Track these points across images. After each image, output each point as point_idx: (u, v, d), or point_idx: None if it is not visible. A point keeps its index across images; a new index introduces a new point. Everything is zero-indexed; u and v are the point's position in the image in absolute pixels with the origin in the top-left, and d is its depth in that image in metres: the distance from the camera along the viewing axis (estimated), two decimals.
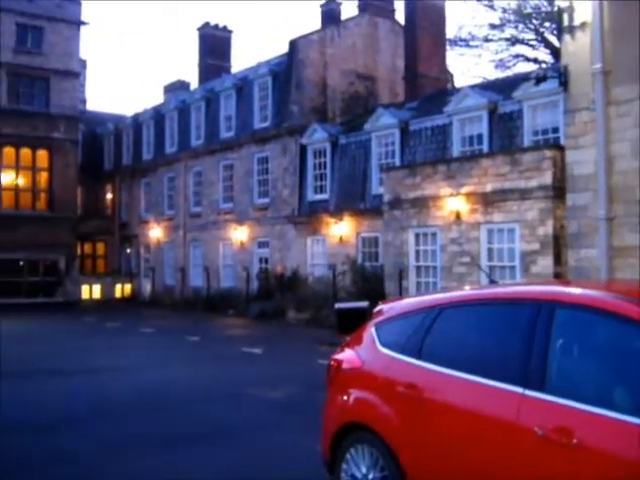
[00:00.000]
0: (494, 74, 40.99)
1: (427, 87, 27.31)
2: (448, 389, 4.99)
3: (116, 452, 8.22)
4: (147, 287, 38.57)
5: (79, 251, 39.96)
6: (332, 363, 6.28)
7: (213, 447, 8.46)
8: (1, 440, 8.80)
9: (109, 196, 43.67)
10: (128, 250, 41.13)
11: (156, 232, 37.97)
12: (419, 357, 5.32)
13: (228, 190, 32.95)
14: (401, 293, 19.82)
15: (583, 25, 14.54)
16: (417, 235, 20.78)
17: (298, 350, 18.09)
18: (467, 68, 79.19)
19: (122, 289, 39.75)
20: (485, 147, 21.26)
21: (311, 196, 27.89)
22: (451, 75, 32.98)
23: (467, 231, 19.07)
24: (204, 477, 7.34)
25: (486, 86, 24.59)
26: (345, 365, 6.08)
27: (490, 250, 18.70)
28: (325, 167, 27.35)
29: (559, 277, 16.52)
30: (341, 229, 25.89)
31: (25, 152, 37.16)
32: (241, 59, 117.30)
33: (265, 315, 25.78)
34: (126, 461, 7.81)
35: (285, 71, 29.89)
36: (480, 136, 21.59)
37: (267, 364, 15.71)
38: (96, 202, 44.28)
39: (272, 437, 8.95)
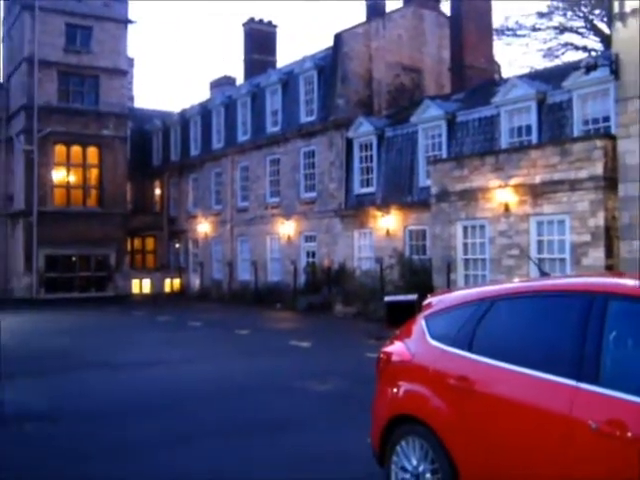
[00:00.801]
0: (542, 63, 40.54)
1: (474, 78, 27.02)
2: (500, 382, 4.97)
3: (186, 439, 8.56)
4: (196, 281, 39.00)
5: (129, 246, 40.58)
6: (381, 356, 6.29)
7: (269, 437, 8.67)
8: (89, 427, 9.28)
9: (158, 192, 44.22)
10: (177, 245, 41.63)
11: (204, 227, 38.36)
12: (470, 350, 5.30)
13: (275, 185, 33.10)
14: (449, 286, 19.70)
15: (635, 11, 14.26)
16: (465, 228, 20.64)
17: (346, 344, 18.12)
18: (514, 58, 77.87)
19: (171, 283, 40.25)
20: (534, 138, 20.97)
21: (358, 189, 27.87)
22: (498, 65, 32.60)
23: (516, 223, 18.87)
24: (262, 461, 7.58)
25: (534, 76, 24.25)
26: (395, 358, 6.09)
27: (540, 242, 18.47)
28: (371, 160, 27.30)
29: (611, 269, 16.25)
30: (388, 222, 25.82)
31: (75, 149, 37.86)
32: (286, 54, 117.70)
33: (312, 308, 25.87)
34: (195, 447, 8.12)
35: (330, 65, 29.88)
36: (529, 127, 21.31)
37: (315, 357, 15.78)
38: (145, 198, 44.92)
39: (323, 429, 9.05)
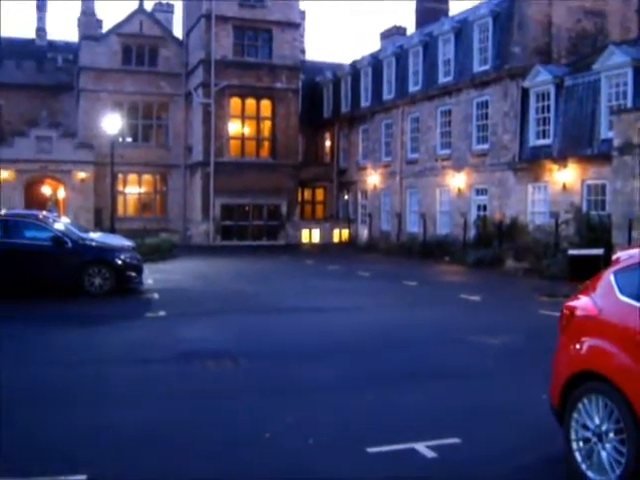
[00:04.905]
0: None
1: None
2: None
3: (361, 383, 8.87)
4: (364, 232, 39.40)
5: (299, 197, 41.55)
6: (565, 311, 6.11)
7: (444, 386, 8.79)
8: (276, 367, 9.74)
9: (328, 143, 44.81)
10: (346, 196, 42.13)
11: (373, 179, 38.53)
12: None
13: (446, 136, 32.58)
14: (630, 244, 18.66)
15: None
16: None
17: (517, 299, 17.72)
18: None
19: (339, 234, 40.90)
20: None
21: (533, 141, 26.85)
22: None
23: None
24: (437, 408, 7.64)
25: None
26: (579, 312, 5.90)
27: None
28: (548, 111, 26.14)
29: None
30: (565, 176, 24.78)
31: (250, 102, 39.04)
32: (459, 2, 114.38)
33: (482, 263, 25.41)
34: (368, 390, 8.32)
35: (507, 11, 28.74)
36: None
37: (486, 312, 15.57)
38: (315, 149, 45.71)
39: (496, 381, 9.01)
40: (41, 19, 49.82)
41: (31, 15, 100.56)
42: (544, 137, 26.39)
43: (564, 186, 24.86)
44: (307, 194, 44.21)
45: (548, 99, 26.15)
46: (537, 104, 26.70)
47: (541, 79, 26.37)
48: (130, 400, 8.07)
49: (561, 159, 25.02)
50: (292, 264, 28.43)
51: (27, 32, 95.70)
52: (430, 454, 6.23)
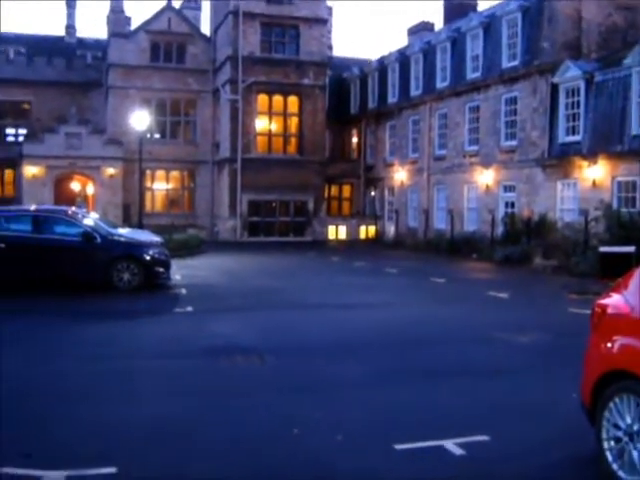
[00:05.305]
0: None
1: None
2: None
3: (389, 380, 8.93)
4: (390, 229, 39.31)
5: (326, 193, 41.54)
6: (596, 308, 6.03)
7: (472, 383, 8.76)
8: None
9: (355, 139, 44.75)
10: (372, 193, 42.03)
11: (400, 175, 38.41)
12: None
13: (474, 132, 32.38)
14: None
15: None
16: None
17: (546, 297, 17.57)
18: None
19: (366, 230, 40.85)
20: None
21: (562, 138, 26.58)
22: None
23: None
24: (465, 406, 7.58)
25: None
26: (611, 310, 5.83)
27: None
28: (578, 107, 25.86)
29: None
30: (594, 172, 24.51)
31: (277, 99, 39.14)
32: None
33: (510, 260, 25.22)
34: (395, 387, 8.34)
35: (536, 5, 28.46)
36: None
37: (514, 309, 15.45)
38: (342, 145, 45.68)
39: (525, 379, 8.93)
40: (70, 17, 50.32)
41: (61, 13, 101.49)
42: (574, 133, 26.12)
43: (594, 183, 24.60)
44: (334, 190, 44.19)
45: (578, 95, 25.87)
46: (567, 100, 26.42)
47: (571, 75, 26.08)
48: (159, 395, 8.12)
49: (591, 155, 24.76)
50: (319, 260, 28.43)
51: (57, 30, 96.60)
52: (458, 451, 6.20)
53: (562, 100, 26.56)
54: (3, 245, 16.53)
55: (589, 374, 5.89)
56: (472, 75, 32.38)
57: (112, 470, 5.72)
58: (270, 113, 39.25)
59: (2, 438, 6.45)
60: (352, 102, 44.70)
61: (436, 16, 54.90)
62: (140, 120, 28.43)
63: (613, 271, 6.35)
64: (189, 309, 14.62)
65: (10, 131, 45.14)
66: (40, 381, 8.67)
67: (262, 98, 38.89)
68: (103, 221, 19.58)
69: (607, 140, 24.28)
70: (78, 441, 6.50)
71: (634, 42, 25.21)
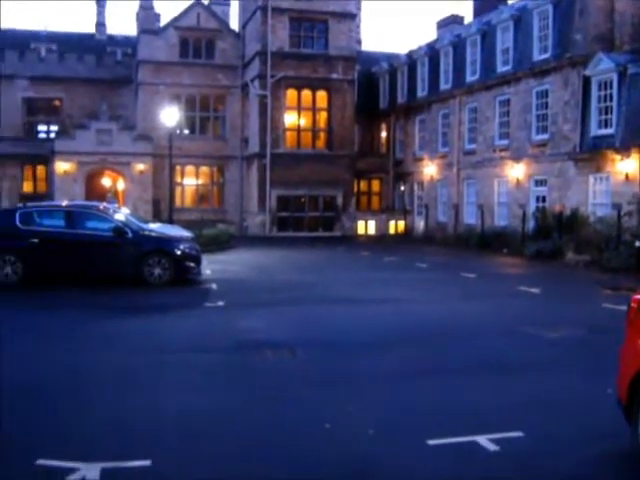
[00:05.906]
0: None
1: None
2: None
3: (419, 374, 8.89)
4: (420, 224, 39.15)
5: (355, 188, 41.44)
6: (632, 304, 5.95)
7: (505, 377, 8.77)
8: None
9: (384, 134, 44.58)
10: (402, 187, 41.85)
11: (430, 169, 38.22)
12: None
13: (504, 126, 32.10)
14: None
15: None
16: None
17: (578, 292, 17.39)
18: None
19: (396, 225, 40.71)
20: None
21: (594, 131, 26.26)
22: None
23: None
24: (493, 403, 7.50)
25: None
26: None
27: None
28: (611, 99, 25.52)
29: None
30: (628, 166, 24.19)
31: (306, 93, 39.09)
32: None
33: (541, 255, 24.99)
34: (426, 382, 8.30)
35: None
36: None
37: (546, 304, 15.31)
38: (371, 140, 45.55)
39: (556, 375, 8.82)
40: (100, 14, 50.71)
41: (91, 11, 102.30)
42: (606, 126, 25.79)
43: (627, 176, 24.28)
44: (363, 185, 44.10)
45: (610, 87, 25.54)
46: (599, 93, 26.08)
47: (603, 67, 25.74)
48: (191, 388, 8.16)
49: (624, 149, 24.43)
50: (348, 255, 28.41)
51: (87, 27, 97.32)
52: (492, 447, 6.15)
53: (594, 93, 26.22)
54: (36, 240, 16.75)
55: (625, 370, 5.82)
56: (502, 68, 32.10)
57: (147, 463, 5.76)
58: (299, 108, 39.23)
59: (37, 429, 6.53)
60: (381, 96, 44.53)
61: (466, 9, 54.48)
62: (170, 116, 28.55)
63: None
64: (220, 304, 14.68)
65: (42, 128, 45.62)
66: (74, 373, 8.77)
67: (291, 93, 38.87)
68: (134, 216, 19.73)
69: None
70: (112, 433, 6.56)
71: None
